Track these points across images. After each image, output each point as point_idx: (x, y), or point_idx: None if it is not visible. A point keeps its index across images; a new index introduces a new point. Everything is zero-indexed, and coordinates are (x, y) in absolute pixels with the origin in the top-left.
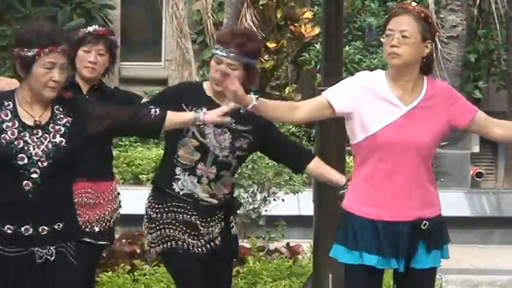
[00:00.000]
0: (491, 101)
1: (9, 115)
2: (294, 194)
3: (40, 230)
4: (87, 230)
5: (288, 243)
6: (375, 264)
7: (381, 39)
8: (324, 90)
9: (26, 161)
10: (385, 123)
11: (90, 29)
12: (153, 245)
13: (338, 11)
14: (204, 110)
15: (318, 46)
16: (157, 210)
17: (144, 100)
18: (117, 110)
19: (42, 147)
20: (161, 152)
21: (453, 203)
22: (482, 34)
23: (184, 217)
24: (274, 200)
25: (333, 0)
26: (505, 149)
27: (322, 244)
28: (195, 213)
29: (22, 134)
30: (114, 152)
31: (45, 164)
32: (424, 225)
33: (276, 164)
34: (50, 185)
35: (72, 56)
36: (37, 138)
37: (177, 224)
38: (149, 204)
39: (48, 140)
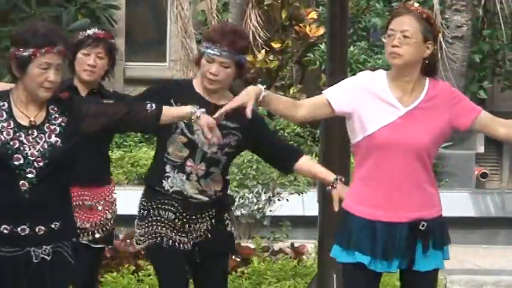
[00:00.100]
0: (496, 101)
1: (5, 115)
2: (299, 194)
3: (37, 229)
4: (85, 234)
5: (292, 244)
6: (367, 264)
7: (382, 39)
8: None
9: (21, 161)
10: (382, 124)
11: (89, 32)
12: (140, 241)
13: (343, 11)
14: (202, 110)
15: (322, 46)
16: (146, 208)
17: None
18: (113, 108)
19: (38, 147)
20: None
21: (458, 203)
22: (487, 34)
23: (172, 215)
24: (278, 200)
25: (337, 0)
26: (510, 150)
27: (326, 244)
28: (183, 211)
29: (17, 134)
30: (119, 153)
31: (41, 164)
32: (423, 226)
33: None
34: (46, 185)
35: (71, 59)
36: (32, 138)
37: (165, 221)
38: (140, 202)
39: (43, 140)
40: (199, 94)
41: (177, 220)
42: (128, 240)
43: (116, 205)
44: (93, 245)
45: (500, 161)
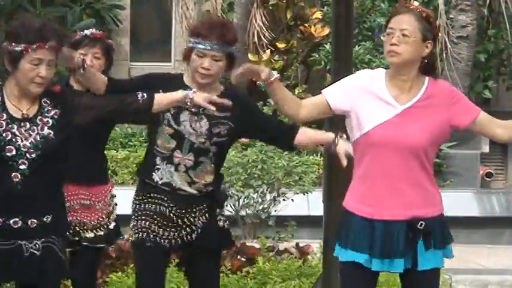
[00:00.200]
0: (501, 100)
1: None
2: (304, 194)
3: (29, 222)
4: (83, 233)
5: (297, 244)
6: (363, 263)
7: (381, 37)
8: None
9: (14, 152)
10: (378, 122)
11: (86, 32)
12: (129, 236)
13: (348, 11)
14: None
15: (327, 46)
16: (137, 202)
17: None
18: (105, 100)
19: (31, 139)
20: None
21: (463, 203)
22: (492, 34)
23: (161, 209)
24: (283, 200)
25: (342, 0)
26: None
27: (331, 244)
28: (172, 204)
29: (10, 126)
30: (124, 153)
31: (33, 155)
32: (421, 225)
33: (285, 164)
34: (38, 177)
35: None
36: (25, 130)
37: (153, 215)
38: (133, 197)
39: (36, 132)
40: (189, 87)
41: (166, 214)
42: None
43: (115, 204)
44: (91, 245)
45: (505, 161)
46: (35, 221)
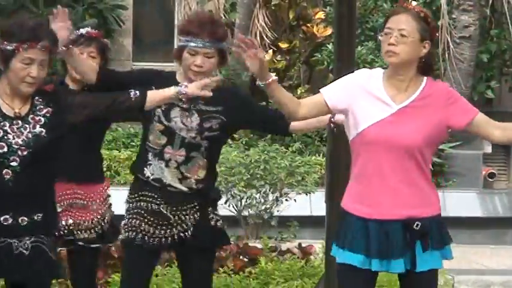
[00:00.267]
0: (503, 101)
1: None
2: (306, 194)
3: (20, 220)
4: (79, 233)
5: (300, 244)
6: (358, 264)
7: (379, 37)
8: None
9: (5, 149)
10: (373, 121)
11: (82, 31)
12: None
13: (350, 11)
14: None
15: (330, 46)
16: (130, 200)
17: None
18: (98, 99)
19: (22, 137)
20: None
21: (465, 203)
22: (495, 34)
23: (153, 206)
24: (286, 200)
25: (345, 0)
26: None
27: None
28: (163, 201)
29: (2, 123)
30: (126, 153)
31: (25, 153)
32: (417, 225)
33: (288, 164)
34: (29, 174)
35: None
36: (17, 128)
37: (144, 214)
38: (127, 195)
39: (28, 130)
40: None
41: (158, 212)
42: None
43: (110, 204)
44: (87, 245)
45: (507, 161)
46: (26, 218)
